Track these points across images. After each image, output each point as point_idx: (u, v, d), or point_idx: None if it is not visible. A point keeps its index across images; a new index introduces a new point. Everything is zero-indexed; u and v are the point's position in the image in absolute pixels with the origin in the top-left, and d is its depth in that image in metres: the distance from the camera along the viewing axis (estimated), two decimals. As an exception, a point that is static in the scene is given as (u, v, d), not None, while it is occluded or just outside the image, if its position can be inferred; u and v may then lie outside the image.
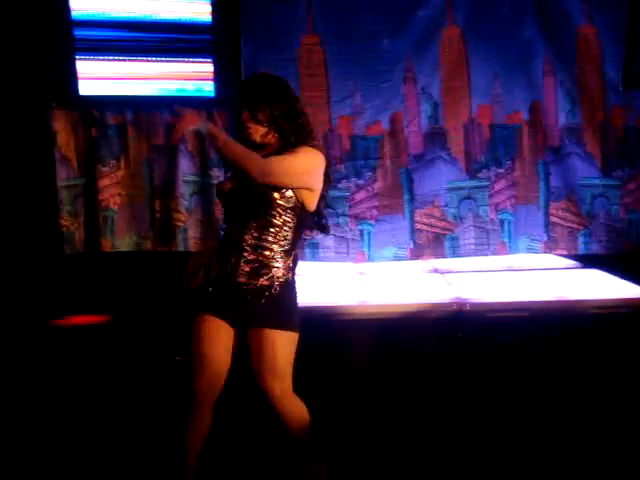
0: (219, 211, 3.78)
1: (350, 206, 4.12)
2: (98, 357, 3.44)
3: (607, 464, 2.74)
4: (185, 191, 4.03)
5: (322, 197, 2.28)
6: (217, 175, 4.02)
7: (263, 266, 2.22)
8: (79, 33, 3.82)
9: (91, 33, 3.83)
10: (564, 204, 4.17)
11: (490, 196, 4.12)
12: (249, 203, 2.22)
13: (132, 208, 4.08)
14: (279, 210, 2.20)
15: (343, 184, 4.09)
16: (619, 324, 3.40)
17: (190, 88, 3.90)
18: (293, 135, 2.24)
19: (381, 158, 4.08)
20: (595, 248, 4.20)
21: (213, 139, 2.17)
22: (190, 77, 3.91)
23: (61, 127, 3.97)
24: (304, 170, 2.21)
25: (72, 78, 3.86)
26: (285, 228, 2.24)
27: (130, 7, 3.82)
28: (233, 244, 2.24)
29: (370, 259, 4.16)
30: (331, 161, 4.04)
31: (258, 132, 2.25)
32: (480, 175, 4.11)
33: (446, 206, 4.11)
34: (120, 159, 4.03)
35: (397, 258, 4.16)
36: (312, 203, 2.25)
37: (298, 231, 2.27)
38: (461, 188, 4.12)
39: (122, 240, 4.07)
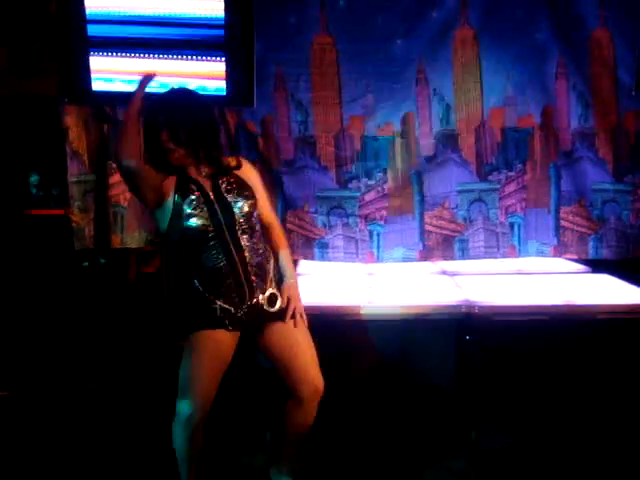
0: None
1: (360, 206, 4.11)
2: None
3: (617, 469, 2.73)
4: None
5: None
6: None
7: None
8: (93, 29, 3.82)
9: (104, 29, 3.83)
10: (575, 208, 4.15)
11: (500, 199, 4.10)
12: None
13: (142, 205, 4.08)
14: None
15: (353, 184, 4.08)
16: (628, 329, 3.38)
17: (202, 85, 3.89)
18: (215, 150, 2.37)
19: (392, 159, 4.08)
20: (605, 253, 4.18)
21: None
22: (202, 74, 3.90)
23: (73, 123, 3.98)
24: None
25: (85, 74, 3.86)
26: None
27: (143, 4, 3.82)
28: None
29: (379, 260, 4.15)
30: (341, 161, 4.08)
31: (179, 153, 2.28)
32: (491, 178, 4.09)
33: (456, 208, 4.10)
34: (131, 155, 4.03)
35: (406, 259, 4.15)
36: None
37: None
38: (471, 190, 4.10)
39: (132, 236, 4.08)
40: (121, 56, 3.88)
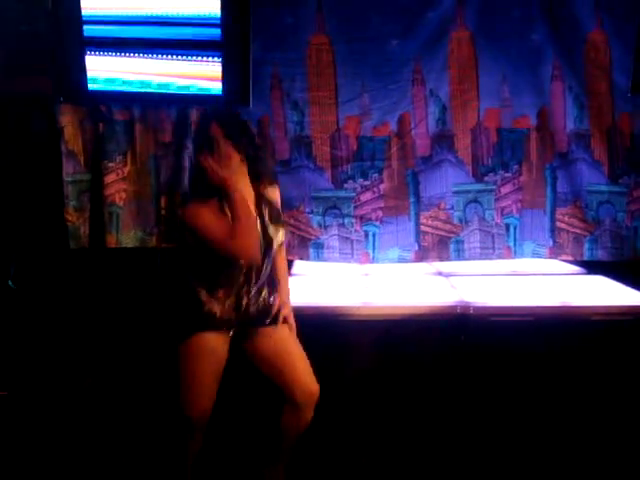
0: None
1: (355, 207, 4.11)
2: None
3: (612, 470, 2.74)
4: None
5: None
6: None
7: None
8: (89, 29, 3.81)
9: (100, 29, 3.82)
10: (570, 210, 4.15)
11: (496, 200, 4.11)
12: None
13: (138, 204, 4.08)
14: None
15: (349, 184, 4.08)
16: (623, 331, 3.39)
17: (198, 85, 3.89)
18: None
19: (388, 159, 4.07)
20: (600, 255, 4.18)
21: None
22: (198, 74, 3.90)
23: (68, 122, 3.98)
24: None
25: (81, 73, 3.86)
26: None
27: (139, 4, 3.81)
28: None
29: (374, 260, 4.15)
30: (337, 161, 4.08)
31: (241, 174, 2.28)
32: (487, 179, 4.10)
33: (452, 209, 4.10)
34: (127, 155, 4.03)
35: (402, 260, 4.15)
36: None
37: None
38: (467, 191, 4.10)
39: (127, 236, 4.08)
40: (117, 56, 3.87)
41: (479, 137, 4.08)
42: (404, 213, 4.11)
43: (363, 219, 4.11)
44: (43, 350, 3.66)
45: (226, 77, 3.85)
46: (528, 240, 4.17)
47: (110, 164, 4.02)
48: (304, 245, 4.12)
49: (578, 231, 4.18)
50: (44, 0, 3.78)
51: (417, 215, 4.11)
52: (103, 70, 3.89)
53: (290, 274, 4.06)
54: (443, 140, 4.07)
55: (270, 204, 2.42)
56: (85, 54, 3.84)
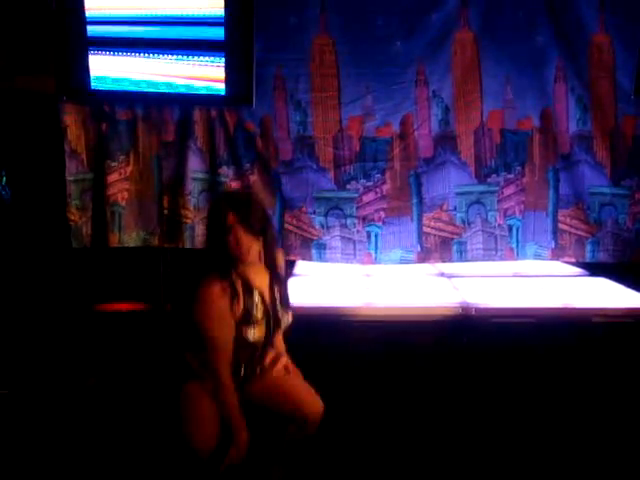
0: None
1: (358, 207, 4.10)
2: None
3: (612, 472, 2.74)
4: (194, 188, 4.04)
5: None
6: (226, 173, 4.03)
7: None
8: (92, 29, 3.82)
9: (104, 29, 3.83)
10: (573, 212, 4.15)
11: (499, 201, 4.10)
12: None
13: (140, 204, 4.08)
14: None
15: (352, 185, 4.07)
16: (624, 333, 3.39)
17: (201, 85, 3.90)
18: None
19: (390, 160, 4.07)
20: (602, 257, 4.18)
21: None
22: (201, 74, 3.90)
23: (71, 121, 3.98)
24: None
25: (84, 73, 3.86)
26: None
27: (143, 3, 3.82)
28: None
29: (377, 261, 4.14)
30: (340, 162, 4.08)
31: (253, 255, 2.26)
32: (489, 180, 4.09)
33: (454, 210, 4.09)
34: (129, 155, 4.03)
35: (404, 261, 4.14)
36: None
37: None
38: (470, 193, 4.10)
39: (129, 236, 4.08)
40: (120, 55, 3.87)
41: (482, 138, 4.07)
42: (407, 214, 4.11)
43: (365, 220, 4.11)
44: (45, 349, 3.67)
45: (229, 77, 3.85)
46: (530, 242, 4.17)
47: (113, 163, 4.02)
48: (306, 245, 4.11)
49: (580, 233, 4.17)
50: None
51: (420, 216, 4.10)
52: (106, 70, 3.89)
53: (292, 274, 4.08)
54: (446, 141, 4.06)
55: (282, 286, 2.43)
56: (88, 54, 3.85)
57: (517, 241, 4.15)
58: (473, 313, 3.40)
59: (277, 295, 2.39)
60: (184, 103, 3.98)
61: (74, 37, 3.82)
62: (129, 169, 4.04)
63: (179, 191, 4.02)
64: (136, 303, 3.91)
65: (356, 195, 4.09)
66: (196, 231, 4.03)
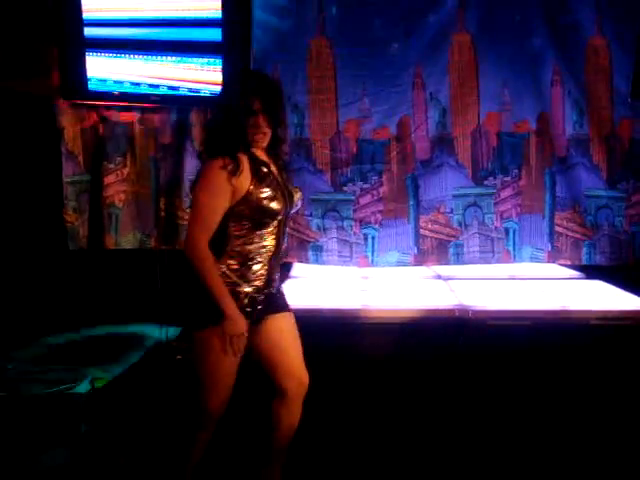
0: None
1: (355, 210, 4.11)
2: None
3: (609, 474, 2.74)
4: (190, 190, 4.03)
5: None
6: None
7: None
8: (89, 30, 3.82)
9: (101, 31, 3.83)
10: (569, 214, 4.16)
11: (496, 204, 4.11)
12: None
13: (137, 206, 4.08)
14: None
15: (349, 187, 4.08)
16: (621, 335, 3.39)
17: (198, 87, 3.89)
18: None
19: (387, 163, 4.07)
20: (598, 259, 4.19)
21: None
22: (198, 76, 3.90)
23: (68, 123, 3.98)
24: None
25: (81, 74, 3.86)
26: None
27: (140, 5, 3.82)
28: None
29: (373, 264, 4.15)
30: (337, 164, 4.08)
31: (264, 134, 2.26)
32: (486, 183, 4.10)
33: (451, 213, 4.10)
34: (126, 156, 4.04)
35: (400, 263, 4.15)
36: None
37: None
38: (467, 195, 4.11)
39: (126, 237, 4.08)
40: (117, 57, 3.87)
41: (479, 141, 4.08)
42: (403, 216, 4.12)
43: (362, 222, 4.11)
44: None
45: (226, 79, 3.85)
46: (527, 244, 4.18)
47: (110, 165, 4.02)
48: (303, 248, 4.12)
49: (577, 235, 4.18)
50: (45, 1, 3.78)
51: (416, 218, 4.11)
52: (103, 71, 3.90)
53: (288, 277, 4.08)
54: (443, 144, 4.07)
55: (288, 175, 2.44)
56: (85, 55, 3.85)
57: (514, 244, 4.16)
58: (469, 316, 3.39)
59: (283, 174, 2.39)
60: (181, 105, 3.98)
61: (71, 39, 3.82)
62: (126, 171, 4.05)
63: (176, 193, 4.02)
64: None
65: (353, 197, 4.10)
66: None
